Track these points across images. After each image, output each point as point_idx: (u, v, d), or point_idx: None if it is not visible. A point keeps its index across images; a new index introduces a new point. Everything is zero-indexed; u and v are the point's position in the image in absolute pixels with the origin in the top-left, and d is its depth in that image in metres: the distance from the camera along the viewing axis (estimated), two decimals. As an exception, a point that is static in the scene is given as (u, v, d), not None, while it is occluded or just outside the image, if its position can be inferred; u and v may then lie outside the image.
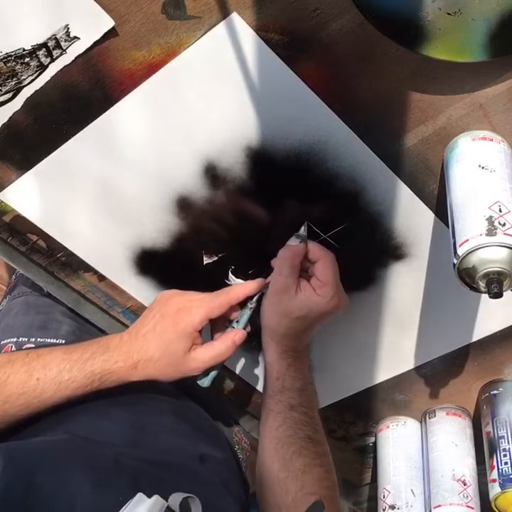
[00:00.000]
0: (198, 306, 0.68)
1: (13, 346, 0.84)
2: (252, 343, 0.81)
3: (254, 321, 0.74)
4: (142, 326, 0.69)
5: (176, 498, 0.49)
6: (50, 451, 0.55)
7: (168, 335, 0.67)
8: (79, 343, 0.70)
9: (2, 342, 0.86)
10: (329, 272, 0.70)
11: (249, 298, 0.73)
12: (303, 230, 0.74)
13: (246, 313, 0.73)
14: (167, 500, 0.48)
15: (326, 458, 0.71)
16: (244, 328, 0.73)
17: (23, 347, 0.84)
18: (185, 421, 0.71)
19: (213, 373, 0.72)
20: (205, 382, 0.73)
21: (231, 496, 0.65)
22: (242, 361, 0.94)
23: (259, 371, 0.95)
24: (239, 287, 0.71)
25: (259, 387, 0.98)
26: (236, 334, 0.70)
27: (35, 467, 0.51)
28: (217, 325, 0.73)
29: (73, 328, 0.88)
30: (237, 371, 0.96)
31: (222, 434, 0.80)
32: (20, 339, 0.85)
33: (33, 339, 0.85)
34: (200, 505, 0.50)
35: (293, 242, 0.73)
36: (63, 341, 0.85)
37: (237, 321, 0.73)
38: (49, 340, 0.85)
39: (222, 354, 0.68)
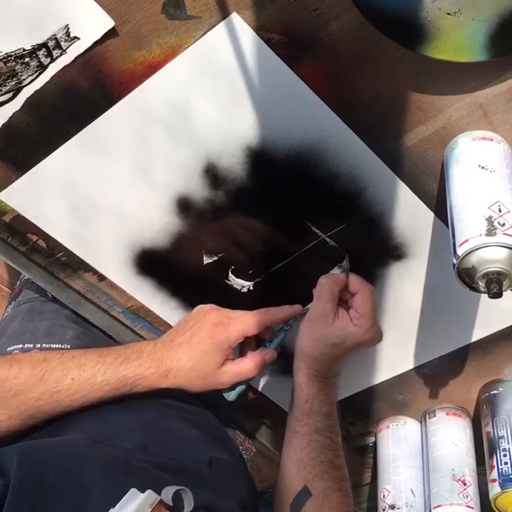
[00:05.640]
0: (236, 323, 0.70)
1: (19, 352, 0.84)
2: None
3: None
4: (177, 335, 0.70)
5: (168, 491, 0.49)
6: (63, 448, 0.56)
7: (203, 347, 0.68)
8: (113, 347, 0.71)
9: (8, 349, 0.86)
10: (368, 304, 0.72)
11: (285, 321, 0.74)
12: (345, 262, 0.75)
13: (280, 336, 0.75)
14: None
15: (346, 483, 0.73)
16: (275, 349, 0.75)
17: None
18: (194, 425, 0.72)
19: (240, 388, 0.74)
20: (230, 395, 0.74)
21: (239, 500, 0.65)
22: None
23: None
24: (277, 310, 0.73)
25: (260, 387, 0.98)
26: (267, 354, 0.72)
27: (48, 462, 0.52)
28: (247, 341, 0.75)
29: (78, 332, 0.88)
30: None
31: (230, 438, 0.81)
32: (26, 345, 0.85)
33: (39, 345, 0.85)
34: (191, 497, 0.50)
35: (335, 271, 0.75)
36: (68, 346, 0.85)
37: (270, 341, 0.75)
38: (54, 345, 0.85)
39: (251, 371, 0.70)
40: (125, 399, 0.68)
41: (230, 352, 0.69)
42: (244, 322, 0.70)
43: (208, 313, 0.71)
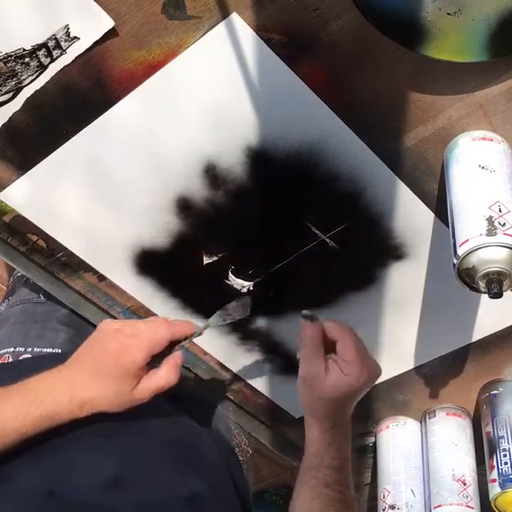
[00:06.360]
0: (139, 344, 0.66)
1: (10, 356, 0.84)
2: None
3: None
4: (85, 359, 0.66)
5: None
6: None
7: (111, 375, 0.65)
8: (19, 383, 0.65)
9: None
10: (351, 349, 0.69)
11: (189, 336, 0.70)
12: (307, 311, 0.72)
13: (183, 348, 0.70)
14: None
15: None
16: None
17: (20, 357, 0.84)
18: (175, 450, 0.70)
19: None
20: None
21: None
22: (243, 362, 0.94)
23: (259, 372, 0.95)
24: (181, 326, 0.69)
25: (260, 387, 0.98)
26: (177, 357, 0.68)
27: None
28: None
29: (70, 335, 0.88)
30: (239, 372, 0.96)
31: (217, 458, 0.78)
32: (18, 349, 0.85)
33: (30, 349, 0.85)
34: None
35: (305, 322, 0.71)
36: (59, 350, 0.85)
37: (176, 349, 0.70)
38: (45, 349, 0.85)
39: (169, 380, 0.67)
40: (102, 420, 0.65)
41: (141, 372, 0.66)
42: (148, 341, 0.66)
43: (109, 336, 0.67)
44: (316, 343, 0.70)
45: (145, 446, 0.69)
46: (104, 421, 0.65)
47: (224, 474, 0.78)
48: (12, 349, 0.85)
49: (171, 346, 0.67)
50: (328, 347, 0.71)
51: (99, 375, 0.64)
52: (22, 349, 0.85)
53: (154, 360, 0.66)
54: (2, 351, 0.85)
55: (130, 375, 0.64)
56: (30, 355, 0.84)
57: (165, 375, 0.66)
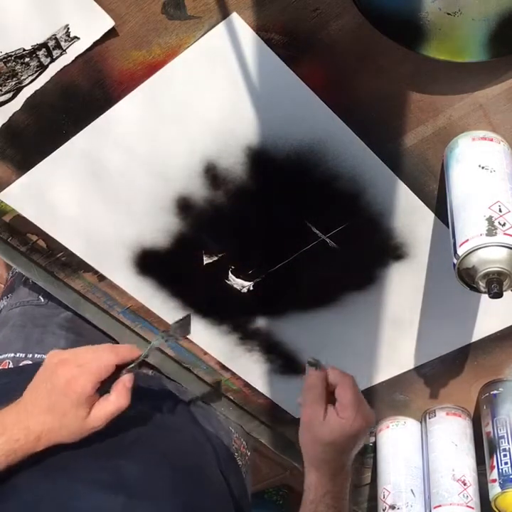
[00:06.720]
0: (86, 373, 0.66)
1: (11, 362, 0.84)
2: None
3: None
4: (37, 394, 0.67)
5: None
6: None
7: (63, 407, 0.65)
8: None
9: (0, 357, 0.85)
10: (349, 394, 0.73)
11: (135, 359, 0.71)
12: (312, 358, 0.76)
13: (133, 369, 0.71)
14: None
15: None
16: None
17: (21, 363, 0.84)
18: (176, 470, 0.70)
19: None
20: None
21: None
22: (242, 361, 0.94)
23: (259, 371, 0.95)
24: (125, 350, 0.70)
25: (260, 387, 0.98)
26: (127, 380, 0.69)
27: None
28: None
29: (70, 341, 0.88)
30: (238, 372, 0.96)
31: (215, 471, 0.79)
32: (18, 355, 0.85)
33: (31, 355, 0.85)
34: None
35: (310, 370, 0.76)
36: None
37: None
38: (46, 356, 0.85)
39: (121, 404, 0.67)
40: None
41: (91, 400, 0.66)
42: (95, 369, 0.67)
43: (56, 368, 0.67)
44: (318, 388, 0.74)
45: (146, 461, 0.69)
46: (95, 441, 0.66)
47: (222, 488, 0.79)
48: (13, 354, 0.85)
49: (119, 370, 0.68)
50: (330, 397, 0.75)
51: (51, 407, 0.65)
52: (22, 355, 0.85)
53: (104, 386, 0.67)
54: (2, 356, 0.85)
55: (81, 405, 0.65)
56: (30, 362, 0.84)
57: (115, 400, 0.67)
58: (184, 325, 0.76)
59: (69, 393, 0.65)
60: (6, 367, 0.84)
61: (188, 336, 0.90)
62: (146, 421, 0.75)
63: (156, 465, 0.70)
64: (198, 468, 0.77)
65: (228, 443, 0.91)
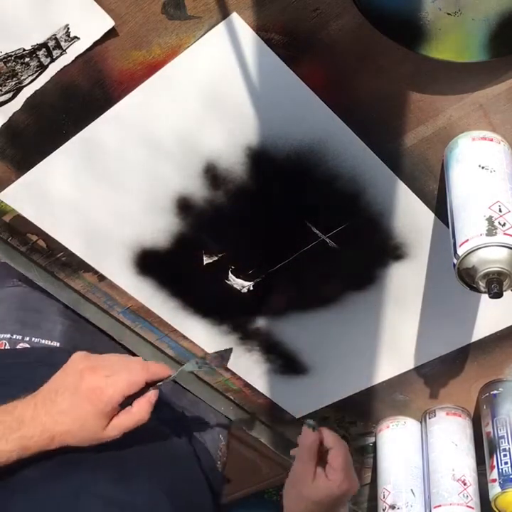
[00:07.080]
0: (115, 385, 0.66)
1: (7, 343, 0.84)
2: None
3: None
4: (57, 394, 0.66)
5: None
6: None
7: (84, 412, 0.65)
8: None
9: None
10: (340, 458, 0.77)
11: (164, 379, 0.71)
12: (311, 420, 0.78)
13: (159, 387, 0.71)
14: None
15: None
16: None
17: (18, 345, 0.83)
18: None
19: None
20: None
21: None
22: (242, 361, 0.94)
23: (259, 371, 0.95)
24: (157, 369, 0.70)
25: (260, 387, 0.98)
26: (152, 396, 0.68)
27: None
28: None
29: (66, 327, 0.87)
30: (238, 372, 0.96)
31: (203, 488, 0.81)
32: (15, 336, 0.84)
33: (28, 338, 0.84)
34: None
35: (306, 429, 0.78)
36: (58, 344, 0.85)
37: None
38: (43, 341, 0.85)
39: (141, 419, 0.67)
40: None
41: (114, 411, 0.66)
42: (123, 383, 0.66)
43: (83, 374, 0.66)
44: (312, 449, 0.77)
45: (150, 495, 0.69)
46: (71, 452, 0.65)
47: (208, 502, 0.81)
48: (9, 335, 0.84)
49: (146, 387, 0.68)
50: (322, 457, 0.77)
51: (72, 410, 0.64)
52: (19, 337, 0.84)
53: (128, 399, 0.66)
54: None
55: (104, 415, 0.65)
56: (28, 345, 0.84)
57: (137, 413, 0.67)
58: (224, 357, 0.76)
59: (94, 401, 0.65)
60: (3, 347, 0.83)
61: (188, 337, 0.91)
62: (153, 442, 0.75)
63: (159, 499, 0.70)
64: (199, 504, 0.78)
65: (214, 452, 0.92)
